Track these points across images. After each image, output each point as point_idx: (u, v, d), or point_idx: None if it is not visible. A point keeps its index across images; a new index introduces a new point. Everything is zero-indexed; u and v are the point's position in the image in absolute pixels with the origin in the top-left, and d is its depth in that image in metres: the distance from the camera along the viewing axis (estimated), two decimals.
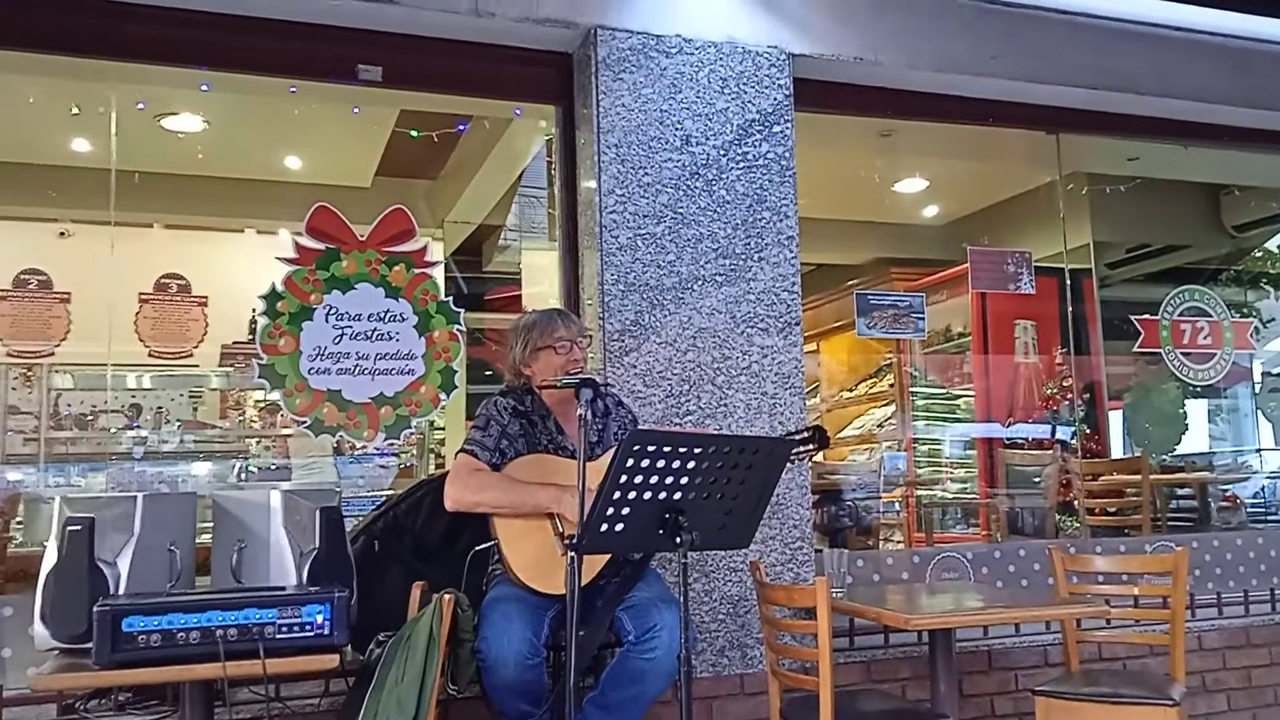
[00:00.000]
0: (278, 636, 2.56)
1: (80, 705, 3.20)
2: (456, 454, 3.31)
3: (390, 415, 4.10)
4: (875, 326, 5.06)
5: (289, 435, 5.88)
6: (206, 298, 6.01)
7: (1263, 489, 6.76)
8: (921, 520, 6.87)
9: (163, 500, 3.11)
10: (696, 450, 2.67)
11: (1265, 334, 6.89)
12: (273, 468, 5.84)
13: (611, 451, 3.04)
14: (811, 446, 3.38)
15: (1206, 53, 5.22)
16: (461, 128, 5.39)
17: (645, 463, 2.61)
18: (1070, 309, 5.95)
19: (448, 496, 3.20)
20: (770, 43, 4.42)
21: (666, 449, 2.63)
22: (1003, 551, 4.83)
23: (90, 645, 2.47)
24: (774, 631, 3.50)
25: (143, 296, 5.84)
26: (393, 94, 4.55)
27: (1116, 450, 7.03)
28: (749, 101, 4.36)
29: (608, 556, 3.15)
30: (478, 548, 3.27)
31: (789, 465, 3.78)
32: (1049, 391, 6.84)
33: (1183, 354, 5.71)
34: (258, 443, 6.28)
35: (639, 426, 3.71)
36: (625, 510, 2.65)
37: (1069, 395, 6.61)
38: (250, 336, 4.12)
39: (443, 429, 5.80)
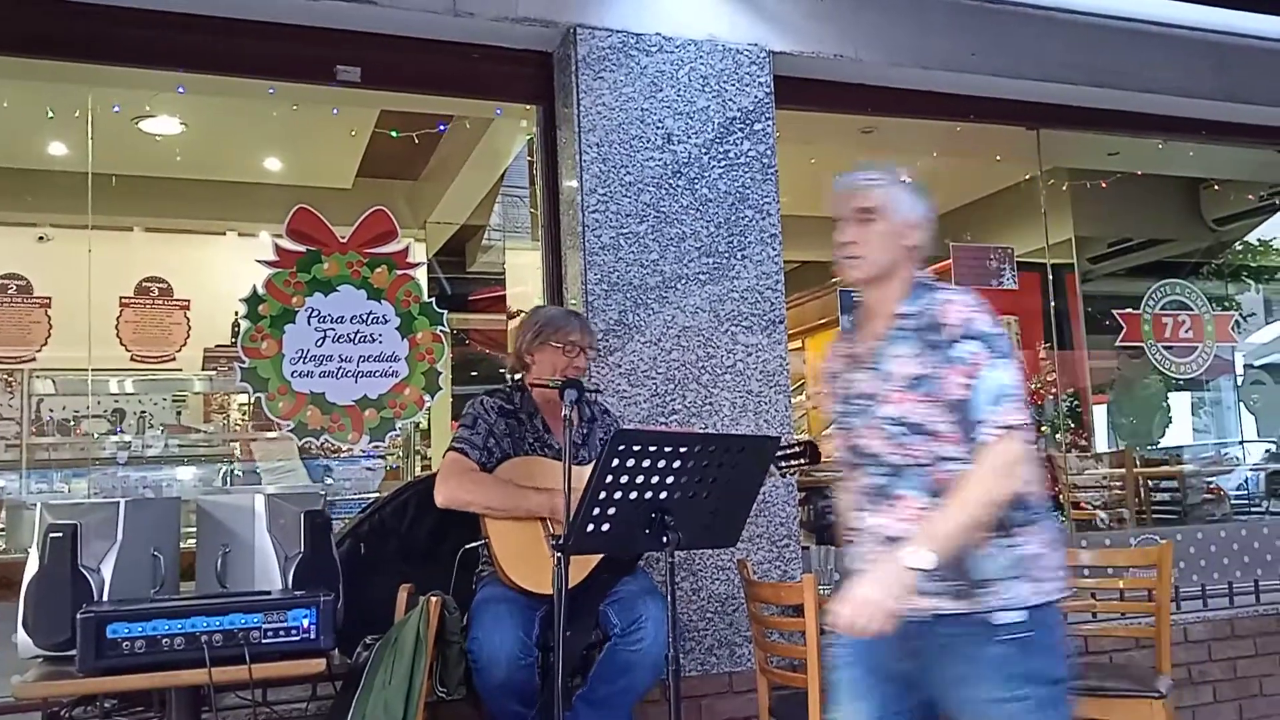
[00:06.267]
0: (263, 641, 2.55)
1: (65, 713, 3.17)
2: (445, 453, 3.31)
3: (374, 418, 4.09)
4: None
5: (254, 440, 5.87)
6: (188, 301, 5.98)
7: (1246, 481, 6.79)
8: None
9: (146, 505, 3.09)
10: (682, 449, 2.66)
11: (1246, 327, 6.93)
12: (256, 470, 5.81)
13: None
14: (802, 461, 3.38)
15: (1185, 48, 5.25)
16: (442, 128, 5.37)
17: (630, 462, 2.60)
18: (1053, 304, 5.96)
19: (439, 494, 3.20)
20: (751, 40, 4.42)
21: (652, 448, 2.62)
22: None
23: (74, 652, 2.45)
24: (762, 629, 3.50)
25: (124, 300, 5.81)
26: (372, 94, 4.52)
27: (1101, 444, 7.06)
28: (730, 99, 4.36)
29: (600, 557, 3.15)
30: (467, 546, 3.27)
31: (780, 477, 3.81)
32: (1033, 386, 6.86)
33: (1165, 347, 5.74)
34: (242, 447, 6.25)
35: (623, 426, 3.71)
36: (611, 510, 2.64)
37: (1053, 390, 6.63)
38: (233, 340, 4.10)
39: (428, 430, 5.78)
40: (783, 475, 3.74)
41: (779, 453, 3.33)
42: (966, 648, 2.20)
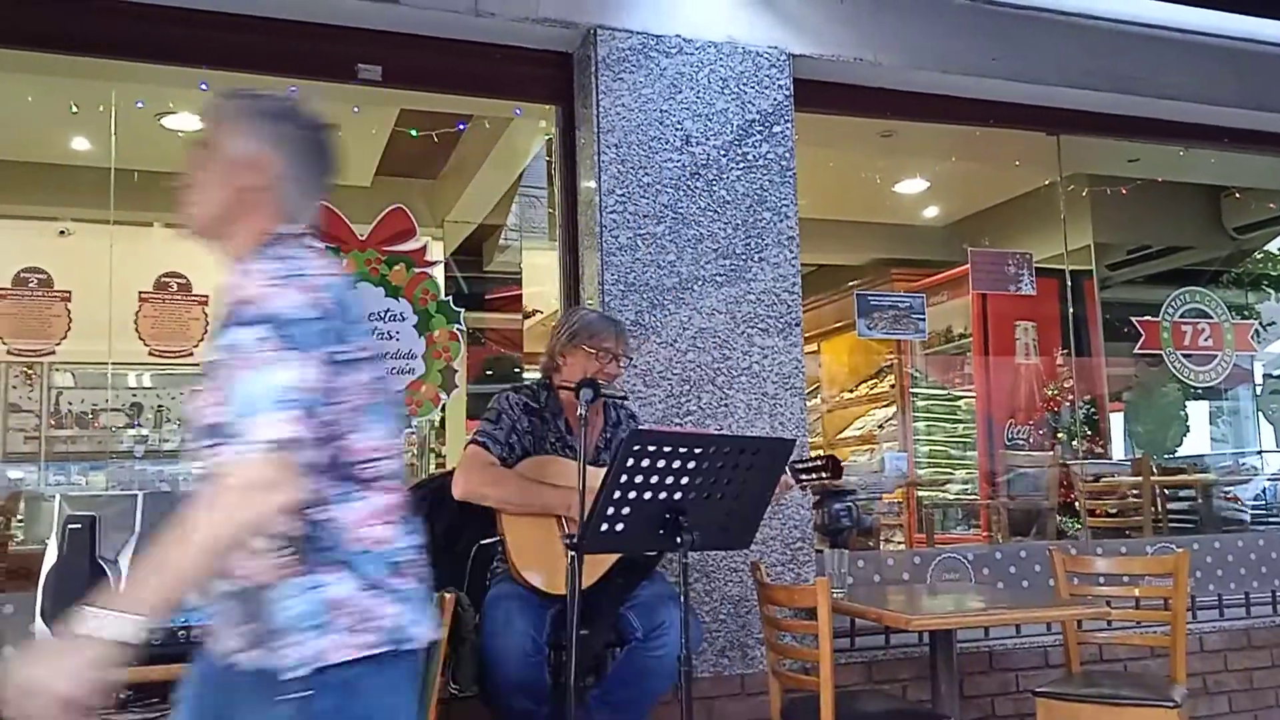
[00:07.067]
0: None
1: None
2: (466, 445, 3.32)
3: None
4: (876, 327, 5.06)
5: None
6: (207, 296, 5.99)
7: (1264, 491, 6.75)
8: (922, 521, 6.87)
9: (164, 498, 3.11)
10: (697, 450, 2.67)
11: (1266, 336, 6.89)
12: None
13: None
14: (824, 476, 3.37)
15: (1207, 54, 5.22)
16: (461, 127, 5.39)
17: (645, 462, 2.60)
18: (1071, 310, 5.94)
19: (457, 485, 3.20)
20: (770, 43, 4.42)
21: (667, 449, 2.63)
22: (1004, 552, 4.83)
23: None
24: (775, 632, 3.50)
25: (143, 295, 5.82)
26: (392, 93, 4.54)
27: (1118, 452, 7.03)
28: (749, 102, 4.36)
29: (615, 557, 3.15)
30: (482, 542, 3.27)
31: (800, 491, 3.80)
32: (1050, 393, 6.84)
33: (1184, 355, 5.71)
34: None
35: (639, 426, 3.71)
36: (626, 510, 2.65)
37: (1070, 397, 6.61)
38: None
39: (443, 428, 5.79)
40: (803, 490, 3.74)
41: (799, 467, 3.33)
42: (253, 706, 1.73)
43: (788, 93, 4.43)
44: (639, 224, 4.14)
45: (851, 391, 8.21)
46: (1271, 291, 7.43)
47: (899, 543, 6.67)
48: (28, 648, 1.68)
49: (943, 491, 7.27)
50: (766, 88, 4.39)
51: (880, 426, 7.72)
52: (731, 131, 4.31)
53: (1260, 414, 6.96)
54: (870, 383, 8.05)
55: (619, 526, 2.67)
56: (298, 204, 1.92)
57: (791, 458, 3.24)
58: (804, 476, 3.35)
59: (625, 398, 3.76)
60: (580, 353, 3.36)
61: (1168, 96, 5.15)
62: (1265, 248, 7.60)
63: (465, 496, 3.20)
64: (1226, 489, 6.54)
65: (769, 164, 4.35)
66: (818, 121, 4.78)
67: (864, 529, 6.28)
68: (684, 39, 4.29)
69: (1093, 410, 6.76)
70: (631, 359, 3.76)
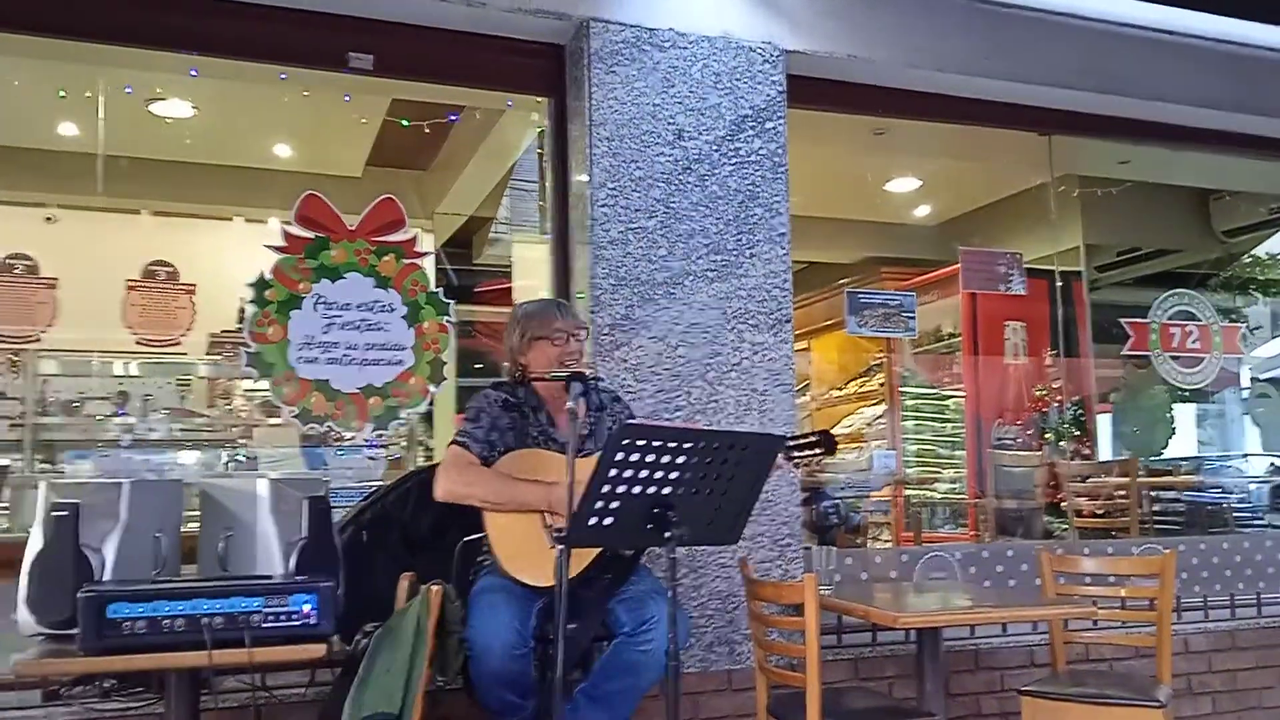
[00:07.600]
0: (264, 625, 2.55)
1: (64, 691, 3.18)
2: (448, 445, 3.30)
3: (379, 406, 4.09)
4: (866, 325, 5.06)
5: (257, 426, 5.87)
6: (194, 285, 5.97)
7: (1249, 494, 6.77)
8: (910, 519, 6.87)
9: (149, 487, 3.08)
10: (686, 445, 2.66)
11: (1253, 339, 6.91)
12: (253, 457, 5.81)
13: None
14: (818, 451, 3.35)
15: (1199, 57, 5.23)
16: (453, 118, 5.37)
17: (635, 457, 2.59)
18: (1060, 311, 5.94)
19: (438, 486, 3.19)
20: (764, 38, 4.41)
21: (656, 443, 2.62)
22: (991, 552, 4.84)
23: (75, 631, 2.45)
24: (762, 628, 3.50)
25: (130, 283, 5.80)
26: (384, 83, 4.53)
27: (1105, 453, 7.04)
28: (742, 97, 4.35)
29: (597, 550, 3.14)
30: (467, 539, 3.26)
31: (793, 467, 3.78)
32: (1038, 393, 6.85)
33: (1171, 357, 5.73)
34: (244, 433, 6.24)
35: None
36: (614, 504, 2.64)
37: (1058, 397, 6.62)
38: (239, 325, 4.10)
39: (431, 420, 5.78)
40: (796, 466, 3.72)
41: (792, 442, 3.31)
42: None
43: (781, 89, 4.43)
44: (630, 218, 4.13)
45: (840, 389, 8.21)
46: (1259, 295, 7.45)
47: (886, 541, 6.67)
48: None
49: (930, 490, 7.27)
50: (759, 83, 4.38)
51: (869, 425, 7.72)
52: (724, 127, 4.30)
53: (1247, 417, 6.98)
54: (859, 381, 8.05)
55: (607, 520, 2.65)
56: None
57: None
58: (798, 454, 3.32)
59: (599, 379, 3.75)
60: (538, 345, 3.35)
61: (1159, 98, 5.16)
62: (1253, 252, 7.62)
63: (445, 497, 3.19)
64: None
65: (761, 160, 4.34)
66: (810, 118, 4.77)
67: (852, 527, 6.28)
68: (677, 33, 4.28)
69: (1080, 411, 6.77)
70: (589, 328, 3.75)
